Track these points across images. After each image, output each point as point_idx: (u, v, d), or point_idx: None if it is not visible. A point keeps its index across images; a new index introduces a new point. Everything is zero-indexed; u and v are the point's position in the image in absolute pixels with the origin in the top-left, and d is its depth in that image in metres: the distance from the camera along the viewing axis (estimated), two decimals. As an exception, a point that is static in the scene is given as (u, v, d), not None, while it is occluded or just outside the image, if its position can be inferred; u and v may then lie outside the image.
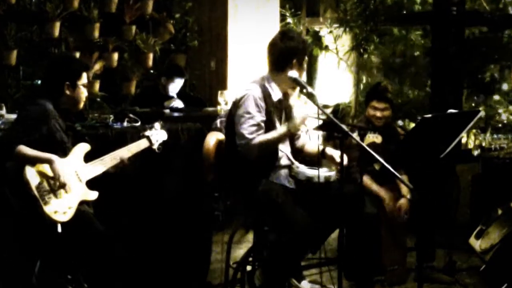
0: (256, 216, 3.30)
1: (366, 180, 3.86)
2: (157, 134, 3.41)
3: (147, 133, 3.37)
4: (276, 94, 3.27)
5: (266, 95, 3.24)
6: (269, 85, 3.27)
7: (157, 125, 3.45)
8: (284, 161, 3.33)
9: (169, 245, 3.84)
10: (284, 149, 3.35)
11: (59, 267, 3.05)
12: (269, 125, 3.21)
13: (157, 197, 3.81)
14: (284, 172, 3.31)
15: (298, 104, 3.27)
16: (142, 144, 3.32)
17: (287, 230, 3.11)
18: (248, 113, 3.14)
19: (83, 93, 3.18)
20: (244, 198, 3.31)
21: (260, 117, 3.15)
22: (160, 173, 3.83)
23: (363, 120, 4.06)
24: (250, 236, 4.58)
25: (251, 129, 3.13)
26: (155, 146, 3.38)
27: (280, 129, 3.23)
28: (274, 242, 3.22)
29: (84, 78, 3.18)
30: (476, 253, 4.07)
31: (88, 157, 3.13)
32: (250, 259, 3.48)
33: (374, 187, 3.90)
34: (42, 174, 2.87)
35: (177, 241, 3.87)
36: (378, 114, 3.96)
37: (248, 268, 3.47)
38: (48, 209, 2.83)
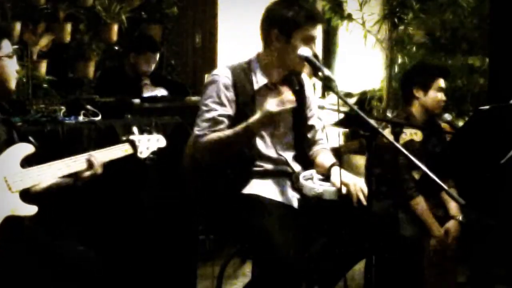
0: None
1: (419, 203, 3.84)
2: (149, 140, 3.30)
3: (134, 137, 3.23)
4: (259, 80, 3.26)
5: (243, 82, 3.23)
6: (255, 68, 3.29)
7: (151, 128, 3.33)
8: (279, 167, 3.30)
9: (140, 280, 3.84)
10: (283, 151, 3.32)
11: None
12: (241, 121, 3.17)
13: (122, 216, 3.81)
14: (278, 182, 3.28)
15: (286, 94, 3.07)
16: (119, 151, 3.16)
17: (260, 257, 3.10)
18: (205, 105, 3.22)
19: (6, 67, 3.08)
20: (212, 218, 3.34)
21: (220, 111, 3.18)
22: (127, 184, 3.83)
23: (402, 116, 4.04)
24: (247, 269, 4.58)
25: (203, 125, 3.19)
26: (144, 155, 3.25)
27: (239, 126, 3.17)
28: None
29: (4, 47, 3.09)
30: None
31: (32, 162, 3.10)
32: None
33: (430, 220, 3.85)
34: None
35: (150, 275, 3.87)
36: (444, 97, 4.01)
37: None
38: None
